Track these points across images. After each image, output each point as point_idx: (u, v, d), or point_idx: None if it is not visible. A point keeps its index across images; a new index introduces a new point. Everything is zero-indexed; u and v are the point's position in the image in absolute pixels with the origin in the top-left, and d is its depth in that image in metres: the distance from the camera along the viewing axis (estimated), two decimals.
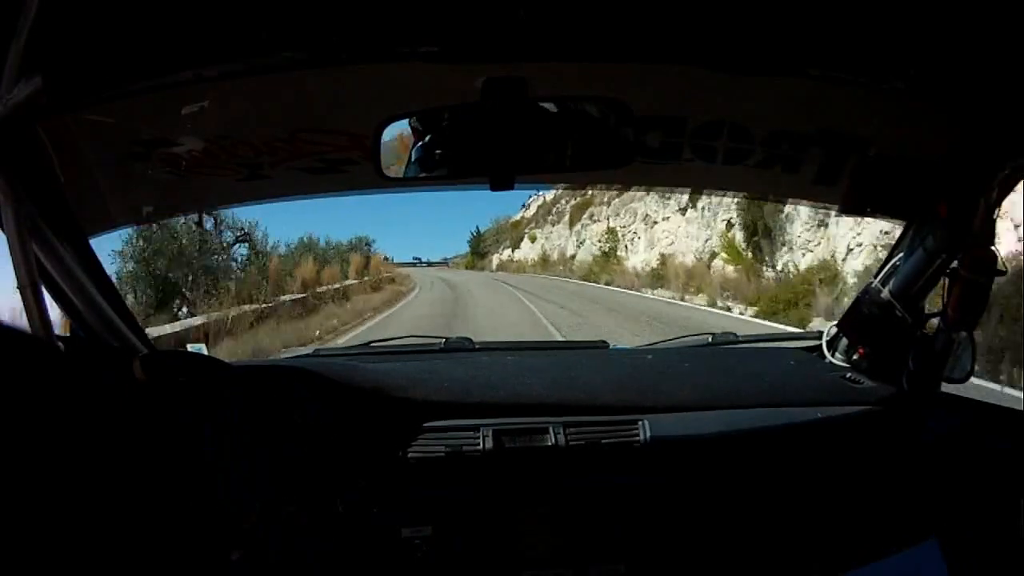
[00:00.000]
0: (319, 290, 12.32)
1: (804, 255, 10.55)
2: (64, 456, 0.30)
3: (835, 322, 1.28)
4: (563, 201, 27.04)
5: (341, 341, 7.46)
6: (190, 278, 10.24)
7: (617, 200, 19.74)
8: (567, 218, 25.78)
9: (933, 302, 1.13)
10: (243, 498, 0.85)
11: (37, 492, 0.28)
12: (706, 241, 14.26)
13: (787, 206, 9.96)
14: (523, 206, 36.33)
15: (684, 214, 15.48)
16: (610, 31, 0.70)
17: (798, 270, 10.43)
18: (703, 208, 14.44)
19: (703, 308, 10.74)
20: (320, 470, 0.97)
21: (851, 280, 8.44)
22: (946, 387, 1.13)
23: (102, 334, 0.97)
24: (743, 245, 12.33)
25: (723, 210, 13.28)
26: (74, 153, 0.94)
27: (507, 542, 1.03)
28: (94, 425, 0.33)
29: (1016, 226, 5.90)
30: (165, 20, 0.65)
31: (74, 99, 0.75)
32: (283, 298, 10.64)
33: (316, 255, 14.56)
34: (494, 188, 0.91)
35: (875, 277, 1.18)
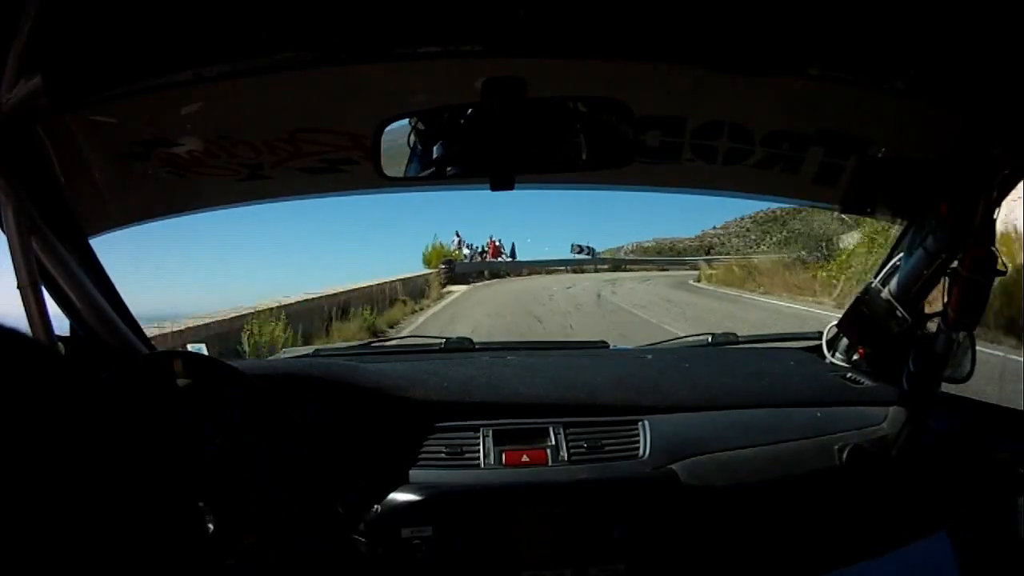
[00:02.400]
0: None
1: None
2: (63, 456, 0.30)
3: (835, 322, 1.28)
4: None
5: None
6: None
7: None
8: None
9: (933, 302, 1.13)
10: (243, 498, 0.85)
11: (36, 493, 0.28)
12: None
13: None
14: None
15: None
16: (609, 30, 0.70)
17: None
18: None
19: None
20: (320, 470, 0.97)
21: None
22: (946, 387, 1.13)
23: (102, 334, 0.97)
24: None
25: None
26: (74, 153, 0.94)
27: (507, 542, 1.03)
28: (94, 425, 0.33)
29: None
30: (165, 20, 0.65)
31: (74, 99, 0.75)
32: None
33: None
34: (494, 188, 0.91)
35: (875, 277, 1.18)
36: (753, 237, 29.87)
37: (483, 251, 24.22)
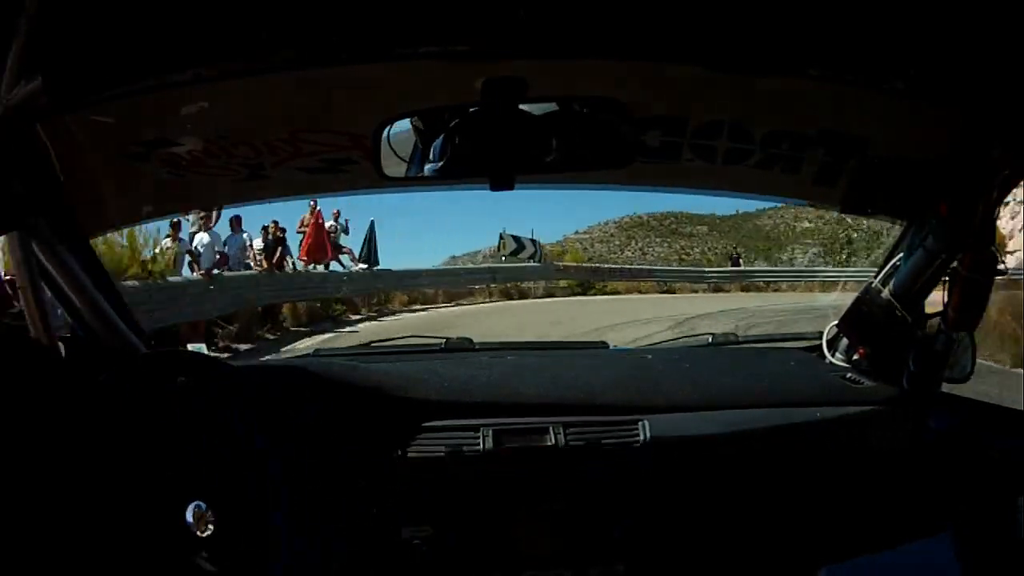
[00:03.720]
0: None
1: None
2: (64, 454, 0.30)
3: (835, 322, 1.28)
4: None
5: None
6: None
7: None
8: None
9: (933, 302, 1.13)
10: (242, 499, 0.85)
11: (37, 490, 0.28)
12: None
13: None
14: None
15: None
16: (610, 30, 0.70)
17: None
18: None
19: None
20: (320, 470, 0.97)
21: None
22: (946, 387, 1.13)
23: (102, 334, 0.97)
24: None
25: None
26: (74, 153, 0.94)
27: (507, 542, 1.03)
28: (93, 424, 0.33)
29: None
30: (165, 20, 0.65)
31: (74, 99, 0.75)
32: None
33: None
34: (494, 188, 0.91)
35: (875, 277, 1.18)
36: (617, 243, 27.50)
37: (265, 240, 8.65)
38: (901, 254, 1.14)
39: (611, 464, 1.06)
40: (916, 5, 0.67)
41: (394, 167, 0.99)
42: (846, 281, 14.29)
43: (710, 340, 1.52)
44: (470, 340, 1.48)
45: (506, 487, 1.04)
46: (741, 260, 19.26)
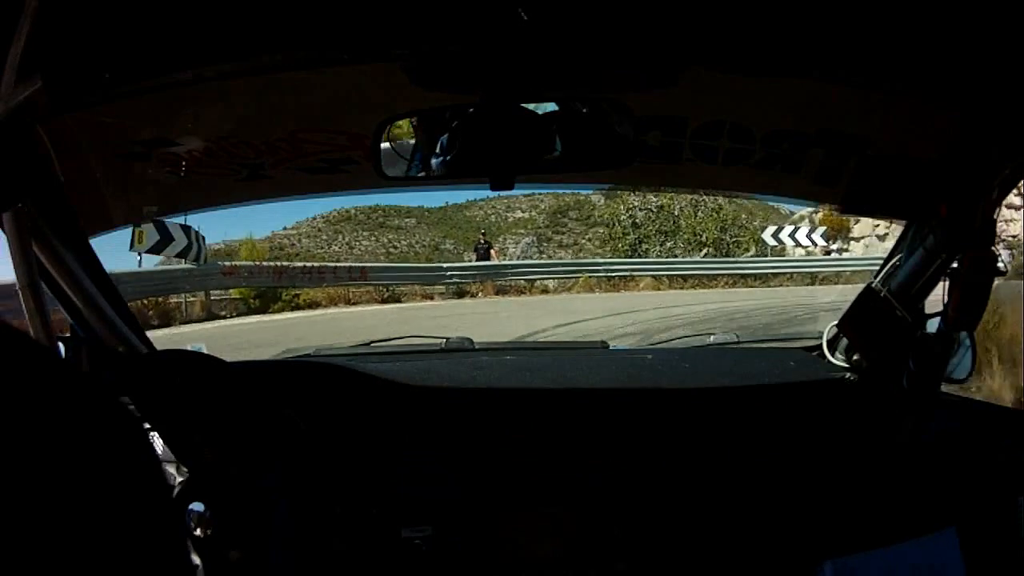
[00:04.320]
0: None
1: None
2: (63, 455, 0.30)
3: (835, 322, 1.28)
4: None
5: None
6: None
7: None
8: None
9: (933, 302, 1.12)
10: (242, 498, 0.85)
11: (36, 491, 0.28)
12: None
13: None
14: None
15: None
16: (610, 31, 0.70)
17: None
18: None
19: None
20: (320, 470, 0.97)
21: None
22: (946, 387, 1.13)
23: (102, 334, 0.97)
24: None
25: None
26: (74, 153, 0.94)
27: (507, 542, 1.03)
28: (93, 424, 0.33)
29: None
30: (165, 20, 0.65)
31: (74, 99, 0.75)
32: None
33: None
34: (494, 188, 0.91)
35: (875, 277, 1.18)
36: (325, 237, 25.44)
37: None
38: (901, 254, 1.14)
39: (612, 464, 1.06)
40: (916, 5, 0.67)
41: (394, 167, 0.99)
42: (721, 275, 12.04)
43: (710, 340, 1.52)
44: (470, 340, 1.47)
45: (506, 487, 1.04)
46: (492, 251, 14.35)
